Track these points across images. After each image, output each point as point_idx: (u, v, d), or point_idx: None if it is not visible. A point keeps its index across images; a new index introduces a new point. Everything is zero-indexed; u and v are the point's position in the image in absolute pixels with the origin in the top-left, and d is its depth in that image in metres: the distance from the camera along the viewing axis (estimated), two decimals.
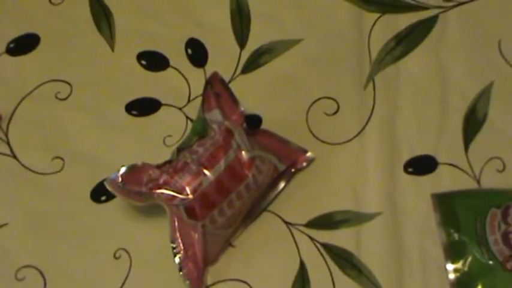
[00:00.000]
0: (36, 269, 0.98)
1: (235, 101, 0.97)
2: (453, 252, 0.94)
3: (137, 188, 0.93)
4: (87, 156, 1.04)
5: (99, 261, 0.98)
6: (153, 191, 0.93)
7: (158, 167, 0.94)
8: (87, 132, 1.06)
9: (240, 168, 0.94)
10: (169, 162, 0.95)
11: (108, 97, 1.08)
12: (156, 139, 1.04)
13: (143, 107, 1.07)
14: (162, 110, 1.06)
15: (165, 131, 1.04)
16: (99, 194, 1.02)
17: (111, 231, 1.00)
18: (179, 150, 0.96)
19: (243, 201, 0.95)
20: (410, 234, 0.96)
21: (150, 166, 0.94)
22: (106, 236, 0.99)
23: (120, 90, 1.08)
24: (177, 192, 0.92)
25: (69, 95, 1.08)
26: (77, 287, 0.97)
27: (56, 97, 1.09)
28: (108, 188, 0.94)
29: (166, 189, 0.93)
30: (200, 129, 0.96)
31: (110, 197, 0.99)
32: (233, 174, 0.93)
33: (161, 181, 0.93)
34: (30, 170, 1.04)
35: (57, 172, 1.04)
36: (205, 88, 0.97)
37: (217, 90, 0.97)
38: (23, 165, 1.04)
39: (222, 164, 0.93)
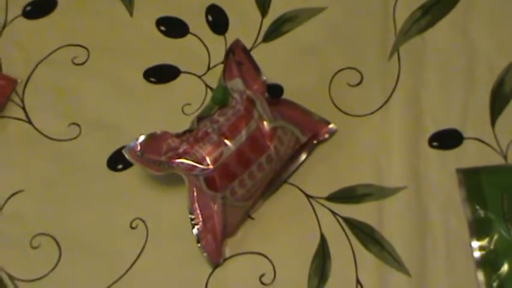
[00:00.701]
0: (52, 237, 0.98)
1: (257, 70, 0.95)
2: (479, 229, 0.93)
3: (156, 157, 0.92)
4: (104, 123, 1.03)
5: (115, 231, 0.98)
6: (173, 160, 0.92)
7: (178, 136, 0.93)
8: (104, 99, 1.05)
9: (262, 138, 0.92)
10: (189, 131, 0.93)
11: (126, 63, 1.07)
12: (175, 107, 1.03)
13: (162, 74, 1.06)
14: (181, 78, 1.05)
15: (184, 99, 1.03)
16: (116, 162, 1.01)
17: (127, 201, 0.99)
18: (199, 119, 0.94)
19: (264, 172, 0.94)
20: (435, 210, 0.95)
21: (169, 135, 0.93)
22: (122, 205, 0.99)
23: (139, 56, 1.07)
24: (197, 162, 0.91)
25: (86, 60, 1.07)
26: (92, 256, 0.97)
27: (73, 62, 1.08)
28: (127, 156, 0.93)
29: (186, 158, 0.91)
30: (221, 98, 0.94)
31: (127, 165, 0.98)
32: (255, 145, 0.92)
33: (181, 150, 0.92)
34: (46, 136, 1.03)
35: (73, 139, 1.03)
36: (226, 56, 0.95)
37: (239, 58, 0.95)
38: (38, 131, 1.04)
39: (243, 134, 0.91)
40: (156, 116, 1.03)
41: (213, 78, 1.01)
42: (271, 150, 0.93)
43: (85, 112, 1.04)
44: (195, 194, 0.93)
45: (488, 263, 0.91)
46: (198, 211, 0.93)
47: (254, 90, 0.94)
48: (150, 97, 1.05)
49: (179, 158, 0.92)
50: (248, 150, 0.92)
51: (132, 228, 0.97)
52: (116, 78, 1.06)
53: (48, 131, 1.04)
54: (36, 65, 1.07)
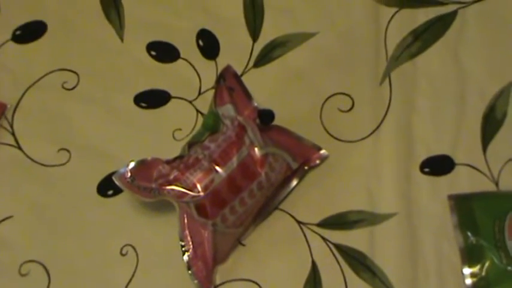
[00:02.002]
0: (41, 264, 0.96)
1: (248, 96, 0.95)
2: (470, 256, 0.92)
3: (147, 183, 0.91)
4: (94, 149, 1.02)
5: (105, 258, 0.96)
6: (163, 187, 0.91)
7: (168, 162, 0.92)
8: (95, 124, 1.04)
9: (253, 165, 0.91)
10: (180, 157, 0.92)
11: (116, 88, 1.05)
12: (165, 133, 1.02)
13: (152, 99, 1.04)
14: (172, 103, 1.04)
15: (175, 125, 1.02)
16: (106, 188, 0.99)
17: (118, 227, 0.97)
18: (190, 145, 0.93)
19: (255, 199, 0.93)
20: (426, 237, 0.94)
21: (160, 161, 0.92)
22: (113, 231, 0.97)
23: (129, 81, 1.05)
24: (188, 189, 0.90)
25: (76, 85, 1.06)
26: (82, 283, 0.95)
27: (63, 87, 1.06)
28: (117, 182, 0.92)
29: (176, 185, 0.90)
30: (212, 124, 0.93)
31: (117, 191, 0.97)
32: (246, 172, 0.91)
33: (172, 177, 0.91)
34: (35, 161, 1.02)
35: (63, 164, 1.02)
36: (217, 81, 0.94)
37: (230, 84, 0.94)
38: (28, 156, 1.02)
39: (234, 161, 0.90)
40: (147, 141, 1.01)
41: (204, 103, 1.00)
42: (262, 177, 0.92)
43: (75, 137, 1.03)
44: (186, 220, 0.92)
45: None
46: (189, 238, 0.92)
47: (245, 116, 0.94)
48: (140, 122, 1.03)
49: (170, 185, 0.91)
50: (239, 177, 0.91)
51: (123, 255, 0.96)
52: (107, 103, 1.04)
53: (37, 156, 1.02)
54: (26, 90, 1.05)
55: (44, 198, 1.00)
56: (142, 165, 0.92)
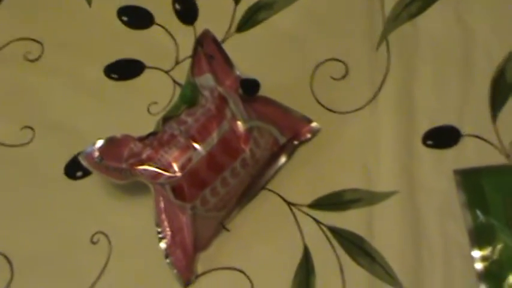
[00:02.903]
0: (2, 255, 0.91)
1: (229, 64, 0.89)
2: (480, 237, 0.86)
3: (117, 163, 0.86)
4: (61, 126, 0.97)
5: (74, 247, 0.91)
6: (135, 167, 0.85)
7: (141, 139, 0.86)
8: (61, 99, 0.99)
9: (236, 141, 0.86)
10: (153, 134, 0.86)
11: (84, 58, 1.01)
12: (139, 106, 0.97)
13: (124, 69, 1.00)
14: (146, 74, 1.00)
15: (150, 98, 0.97)
16: (75, 169, 0.94)
17: (87, 212, 0.93)
18: (165, 120, 0.87)
19: (239, 178, 0.87)
20: (431, 216, 0.89)
21: (131, 139, 0.86)
22: (82, 217, 0.93)
23: (98, 50, 1.01)
24: (163, 169, 0.84)
25: (40, 56, 1.02)
26: (49, 275, 0.90)
27: (26, 58, 1.02)
28: (84, 163, 0.86)
29: (150, 165, 0.84)
30: (189, 96, 0.88)
31: (87, 172, 0.93)
32: (227, 148, 0.86)
33: (144, 156, 0.85)
34: None
35: (26, 144, 0.97)
36: (195, 49, 0.88)
37: (209, 51, 0.89)
38: None
39: (214, 137, 0.85)
40: (119, 116, 0.97)
41: (182, 74, 0.94)
42: (247, 153, 0.87)
43: (39, 114, 0.98)
44: (162, 204, 0.87)
45: (492, 275, 0.85)
46: (166, 223, 0.88)
47: (226, 87, 0.88)
48: (111, 96, 0.99)
49: (142, 165, 0.85)
50: (220, 154, 0.85)
51: (93, 243, 0.91)
52: (74, 76, 1.00)
53: None
54: None
55: (5, 181, 0.96)
56: (111, 143, 0.86)
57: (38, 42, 1.02)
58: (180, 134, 0.85)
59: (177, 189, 0.85)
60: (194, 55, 0.88)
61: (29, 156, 0.96)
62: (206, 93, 0.87)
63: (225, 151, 0.86)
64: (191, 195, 0.85)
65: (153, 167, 0.84)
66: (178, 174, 0.84)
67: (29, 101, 0.99)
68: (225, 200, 0.88)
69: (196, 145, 0.84)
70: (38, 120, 0.97)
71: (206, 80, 0.88)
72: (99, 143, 0.86)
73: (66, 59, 1.01)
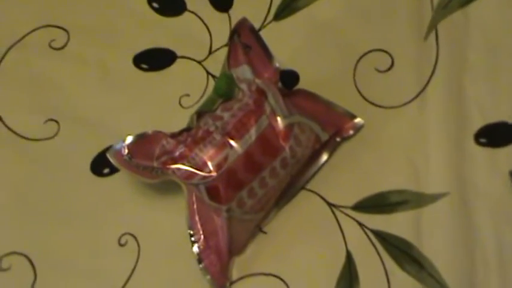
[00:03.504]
0: (25, 256, 0.89)
1: (268, 55, 0.86)
2: None
3: (148, 162, 0.82)
4: (87, 119, 0.94)
5: (100, 249, 0.89)
6: (167, 166, 0.82)
7: (173, 136, 0.82)
8: (87, 90, 0.96)
9: (275, 138, 0.82)
10: (187, 130, 0.83)
11: (112, 47, 0.98)
12: (171, 99, 0.94)
13: (155, 59, 0.96)
14: (178, 64, 0.96)
15: (182, 90, 0.94)
16: (102, 165, 0.91)
17: (115, 212, 0.90)
18: (199, 115, 0.83)
19: (278, 179, 0.84)
20: (484, 221, 0.86)
21: (163, 135, 0.83)
22: (109, 217, 0.90)
23: (127, 39, 0.98)
24: (197, 169, 0.81)
25: (65, 44, 0.98)
26: (74, 279, 0.88)
27: (50, 46, 0.98)
28: (112, 161, 0.83)
29: (183, 164, 0.81)
30: (225, 89, 0.84)
31: (114, 169, 0.89)
32: (266, 146, 0.82)
33: (177, 154, 0.82)
34: (18, 134, 0.94)
35: (50, 138, 0.94)
36: (231, 38, 0.85)
37: (246, 41, 0.85)
38: (9, 129, 0.95)
39: (252, 134, 0.81)
40: (149, 109, 0.94)
41: (216, 64, 0.93)
42: (287, 152, 0.83)
43: (64, 106, 0.95)
44: (195, 205, 0.84)
45: None
46: (199, 226, 0.84)
47: (265, 79, 0.85)
48: (141, 87, 0.95)
49: (175, 164, 0.82)
50: (258, 152, 0.82)
51: (121, 245, 0.88)
52: (101, 65, 0.97)
53: (21, 128, 0.94)
54: (7, 50, 0.98)
55: (29, 178, 0.92)
56: (141, 139, 0.82)
57: (63, 29, 0.98)
58: (216, 131, 0.81)
59: (212, 190, 0.81)
60: (230, 45, 0.85)
61: (53, 151, 0.93)
62: (243, 86, 0.83)
63: (263, 149, 0.82)
64: (227, 197, 0.81)
65: (187, 166, 0.81)
66: (214, 174, 0.80)
67: (54, 92, 0.96)
68: (263, 202, 0.84)
69: (233, 142, 0.81)
70: (63, 112, 0.94)
71: (243, 71, 0.84)
72: (129, 139, 0.82)
73: (93, 47, 0.97)
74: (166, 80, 0.95)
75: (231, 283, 0.85)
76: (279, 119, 0.82)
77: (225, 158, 0.80)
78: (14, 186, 0.91)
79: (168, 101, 0.94)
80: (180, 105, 0.93)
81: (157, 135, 0.82)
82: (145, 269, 0.87)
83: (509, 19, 0.94)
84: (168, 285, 0.86)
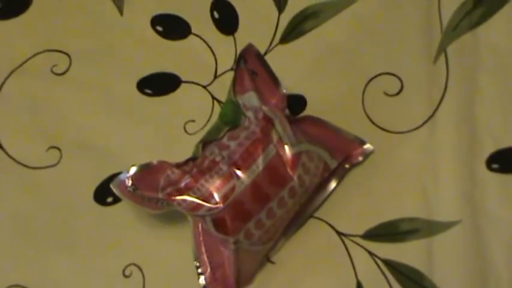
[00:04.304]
0: None
1: (274, 81, 0.83)
2: None
3: (152, 193, 0.80)
4: (90, 147, 0.92)
5: (104, 280, 0.87)
6: (173, 197, 0.79)
7: (179, 166, 0.80)
8: (90, 116, 0.93)
9: (283, 167, 0.80)
10: (192, 159, 0.80)
11: (115, 72, 0.95)
12: (176, 125, 0.92)
13: (159, 84, 0.94)
14: (182, 89, 0.93)
15: (187, 115, 0.92)
16: (105, 194, 0.89)
17: (119, 242, 0.88)
18: (205, 144, 0.81)
19: (286, 208, 0.81)
20: (498, 250, 0.84)
21: (168, 165, 0.80)
22: (114, 247, 0.88)
23: (131, 63, 0.95)
24: (203, 200, 0.79)
25: (68, 69, 0.95)
26: None
27: (52, 71, 0.95)
28: (116, 192, 0.81)
29: (189, 195, 0.79)
30: (231, 116, 0.82)
31: (118, 198, 0.85)
32: (274, 176, 0.80)
33: (183, 185, 0.79)
34: (19, 163, 0.92)
35: (53, 166, 0.91)
36: (237, 64, 0.83)
37: (252, 66, 0.83)
38: (10, 156, 0.92)
39: (259, 163, 0.79)
40: (153, 136, 0.91)
41: (221, 89, 0.90)
42: (295, 181, 0.80)
43: (67, 133, 0.92)
44: (202, 236, 0.82)
45: None
46: (205, 257, 0.82)
47: (272, 106, 0.82)
48: (145, 113, 0.93)
49: (181, 195, 0.79)
50: (266, 183, 0.79)
51: (126, 276, 0.86)
52: (104, 91, 0.94)
53: (22, 156, 0.92)
54: (8, 76, 0.95)
55: (29, 207, 0.90)
56: (146, 170, 0.80)
57: (65, 54, 0.96)
58: (222, 160, 0.79)
59: (219, 222, 0.79)
60: (236, 71, 0.83)
61: (56, 180, 0.91)
62: (250, 114, 0.81)
63: (271, 179, 0.80)
64: (234, 228, 0.79)
65: (193, 197, 0.79)
66: (220, 205, 0.78)
67: (56, 118, 0.93)
68: (271, 233, 0.82)
69: (239, 173, 0.78)
70: (66, 139, 0.92)
71: (249, 98, 0.82)
72: (133, 170, 0.80)
73: (95, 72, 0.95)
74: (171, 106, 0.93)
75: None
76: (286, 147, 0.80)
77: (232, 189, 0.78)
78: (15, 217, 0.89)
79: (173, 127, 0.91)
80: (185, 131, 0.91)
81: (162, 165, 0.80)
82: None
83: None
84: None
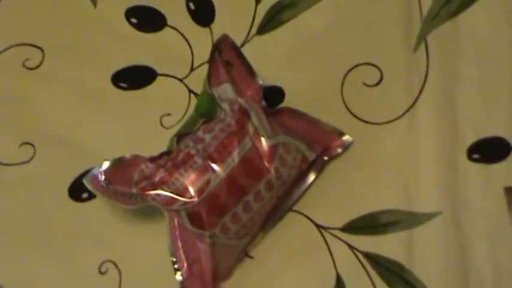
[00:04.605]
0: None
1: (250, 72, 0.83)
2: None
3: (126, 188, 0.80)
4: (64, 142, 0.92)
5: (80, 277, 0.86)
6: (146, 192, 0.79)
7: (153, 160, 0.80)
8: (64, 111, 0.93)
9: (259, 160, 0.80)
10: (167, 153, 0.80)
11: (89, 65, 0.95)
12: (151, 119, 0.92)
13: (134, 77, 0.94)
14: (158, 82, 0.94)
15: (163, 109, 0.92)
16: (80, 190, 0.89)
17: (95, 239, 0.88)
18: (180, 137, 0.81)
19: (263, 202, 0.81)
20: (479, 241, 0.83)
21: (142, 159, 0.80)
22: (89, 244, 0.88)
23: (105, 56, 0.95)
24: (178, 194, 0.78)
25: (40, 63, 0.96)
26: None
27: (24, 66, 0.96)
28: (89, 187, 0.81)
29: (163, 189, 0.79)
30: (207, 109, 0.82)
31: (94, 194, 0.85)
32: (250, 169, 0.80)
33: (157, 179, 0.79)
34: None
35: (26, 162, 0.92)
36: (212, 56, 0.82)
37: (228, 57, 0.83)
38: None
39: (235, 156, 0.79)
40: (129, 130, 0.92)
41: (198, 81, 0.89)
42: (272, 173, 0.80)
43: (40, 128, 0.92)
44: (178, 231, 0.81)
45: None
46: (182, 253, 0.82)
47: (248, 98, 0.82)
48: (120, 107, 0.93)
49: (155, 189, 0.79)
50: (242, 176, 0.79)
51: (101, 273, 0.86)
52: (78, 85, 0.94)
53: None
54: None
55: (3, 205, 0.90)
56: (119, 165, 0.80)
57: (38, 47, 0.96)
58: (197, 154, 0.79)
59: (194, 216, 0.79)
60: (211, 63, 0.83)
61: (29, 176, 0.91)
62: (225, 106, 0.81)
63: (247, 172, 0.79)
64: (210, 223, 0.79)
65: (167, 191, 0.79)
66: (195, 199, 0.78)
67: (29, 113, 0.93)
68: (248, 226, 0.81)
69: (215, 166, 0.78)
70: (39, 135, 0.92)
71: (225, 90, 0.82)
72: (106, 164, 0.80)
73: (69, 66, 0.95)
74: (147, 99, 0.93)
75: None
76: (263, 139, 0.80)
77: (207, 183, 0.78)
78: None
79: (149, 121, 0.91)
80: (162, 125, 0.91)
81: (135, 159, 0.80)
82: None
83: (501, 29, 0.91)
84: None
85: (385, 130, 0.88)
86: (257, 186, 0.79)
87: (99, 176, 0.79)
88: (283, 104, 0.90)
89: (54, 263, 0.86)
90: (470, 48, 0.91)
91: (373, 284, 0.82)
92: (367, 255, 0.83)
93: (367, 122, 0.89)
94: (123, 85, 0.93)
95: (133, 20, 0.96)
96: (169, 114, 0.91)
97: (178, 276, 0.81)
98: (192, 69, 0.93)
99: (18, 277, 0.86)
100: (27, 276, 0.86)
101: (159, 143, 0.83)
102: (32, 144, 0.91)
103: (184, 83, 0.92)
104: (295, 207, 0.86)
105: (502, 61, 0.90)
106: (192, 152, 0.79)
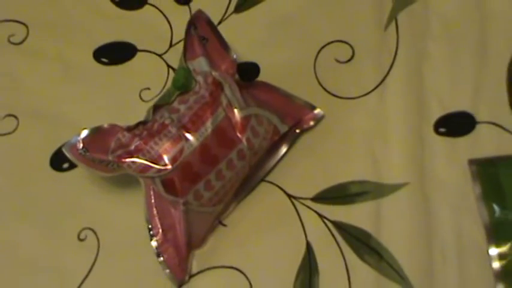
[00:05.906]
0: None
1: (225, 47, 0.85)
2: (497, 233, 0.82)
3: (103, 155, 0.81)
4: (47, 114, 0.93)
5: (60, 244, 0.87)
6: (123, 159, 0.80)
7: (129, 129, 0.81)
8: (47, 84, 0.95)
9: (232, 130, 0.82)
10: (143, 123, 0.82)
11: (72, 41, 0.97)
12: (131, 93, 0.93)
13: (115, 53, 0.96)
14: (138, 57, 0.95)
15: (142, 83, 0.93)
16: (61, 160, 0.90)
17: (74, 207, 0.89)
18: (156, 108, 0.82)
19: (235, 171, 0.83)
20: (444, 211, 0.85)
21: (119, 128, 0.81)
22: (69, 212, 0.89)
23: (87, 32, 0.97)
24: (153, 162, 0.80)
25: (24, 39, 0.97)
26: (33, 274, 0.87)
27: (9, 41, 0.98)
28: (68, 155, 0.82)
29: (138, 157, 0.80)
30: (183, 82, 0.83)
31: (74, 164, 0.86)
32: (222, 138, 0.81)
33: (133, 147, 0.80)
34: None
35: (9, 133, 0.93)
36: (187, 31, 0.84)
37: (202, 33, 0.84)
38: None
39: (208, 126, 0.80)
40: (109, 103, 0.94)
41: (177, 57, 0.90)
42: (243, 144, 0.82)
43: (23, 101, 0.94)
44: (153, 199, 0.83)
45: (510, 274, 0.81)
46: (157, 220, 0.83)
47: (222, 71, 0.84)
48: (101, 81, 0.95)
49: (131, 157, 0.80)
50: (215, 145, 0.81)
51: (81, 240, 0.87)
52: (61, 60, 0.96)
53: None
54: None
55: None
56: (97, 133, 0.81)
57: (22, 23, 0.98)
58: (172, 123, 0.80)
59: (168, 183, 0.80)
60: (186, 38, 0.84)
61: (12, 147, 0.92)
62: (200, 78, 0.82)
63: (220, 141, 0.81)
64: (183, 190, 0.80)
65: (142, 159, 0.80)
66: (169, 167, 0.79)
67: (13, 87, 0.95)
68: (220, 194, 0.83)
69: (188, 135, 0.79)
70: (22, 107, 0.94)
71: (200, 64, 0.83)
72: (84, 133, 0.81)
73: (52, 42, 0.97)
74: (127, 74, 0.94)
75: (191, 276, 0.84)
76: (235, 110, 0.81)
77: (181, 151, 0.79)
78: None
79: (129, 95, 0.93)
80: (141, 98, 0.92)
81: (113, 128, 0.81)
82: (105, 263, 0.86)
83: (469, 8, 0.92)
84: (128, 280, 0.85)
85: (356, 104, 0.90)
86: (229, 155, 0.81)
87: (78, 144, 0.80)
88: (258, 79, 0.91)
89: (35, 230, 0.87)
90: (439, 27, 0.92)
91: (341, 251, 0.83)
92: (336, 224, 0.85)
93: (338, 97, 0.90)
94: (105, 60, 0.95)
95: None
96: (148, 88, 0.92)
97: (154, 243, 0.83)
98: (171, 46, 0.95)
99: (1, 242, 0.87)
100: (8, 242, 0.87)
101: (138, 115, 0.84)
102: (15, 116, 0.93)
103: (163, 59, 0.94)
104: (268, 178, 0.88)
105: (468, 40, 0.91)
106: (167, 122, 0.80)
